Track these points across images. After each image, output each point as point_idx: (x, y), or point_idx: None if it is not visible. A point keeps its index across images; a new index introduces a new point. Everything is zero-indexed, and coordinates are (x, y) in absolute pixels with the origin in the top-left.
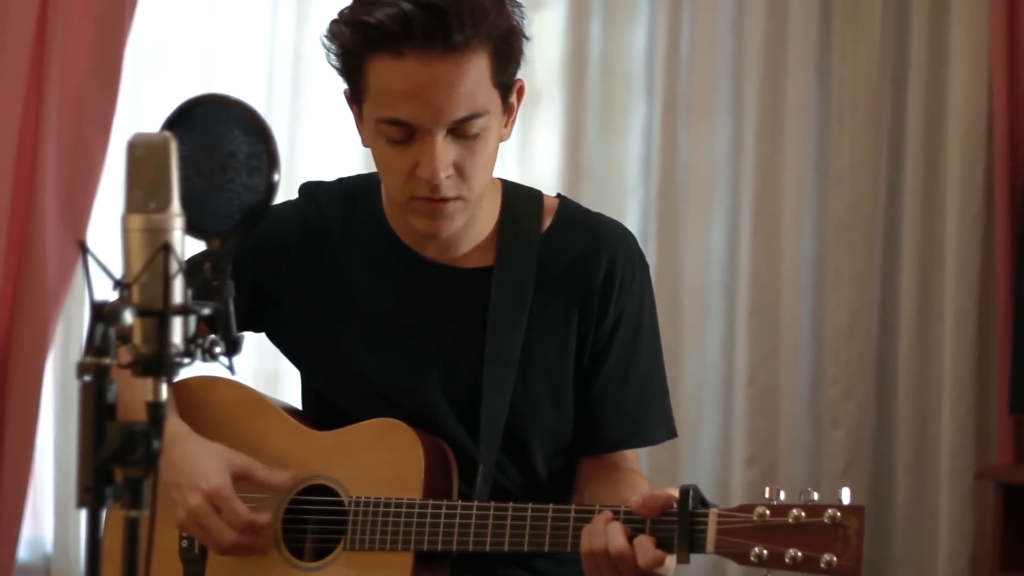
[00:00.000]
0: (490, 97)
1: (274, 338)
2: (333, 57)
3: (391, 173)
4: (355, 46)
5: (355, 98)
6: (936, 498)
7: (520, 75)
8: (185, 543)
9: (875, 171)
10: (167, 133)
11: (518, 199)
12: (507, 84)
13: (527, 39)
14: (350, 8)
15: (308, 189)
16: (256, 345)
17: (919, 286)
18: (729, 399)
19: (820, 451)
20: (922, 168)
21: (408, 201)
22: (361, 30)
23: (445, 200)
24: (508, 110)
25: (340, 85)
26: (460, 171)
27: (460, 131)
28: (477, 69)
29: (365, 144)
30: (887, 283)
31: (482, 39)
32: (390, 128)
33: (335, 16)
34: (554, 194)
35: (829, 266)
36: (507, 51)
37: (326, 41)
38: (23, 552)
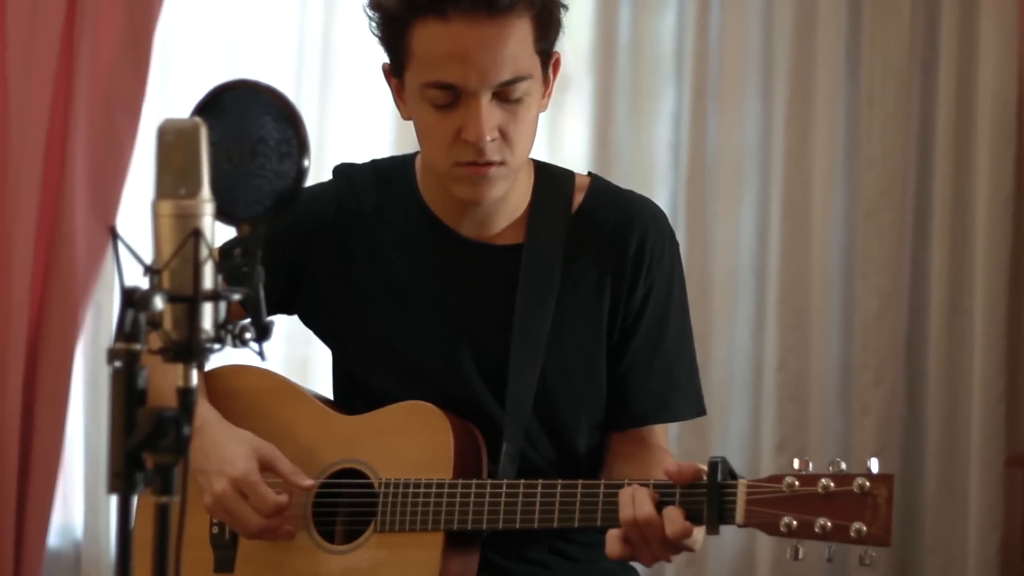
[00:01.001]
0: (532, 62)
1: (308, 319)
2: (375, 26)
3: (435, 139)
4: (400, 11)
5: (397, 68)
6: (966, 485)
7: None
8: (215, 529)
9: (905, 157)
10: (197, 119)
11: (550, 178)
12: (547, 52)
13: (566, 8)
14: None
15: (342, 170)
16: (286, 332)
17: (949, 272)
18: (759, 385)
19: (850, 437)
20: (952, 154)
21: (452, 168)
22: None
23: (490, 164)
24: (546, 80)
25: (369, 70)
26: (504, 135)
27: (504, 94)
28: (521, 33)
29: (405, 117)
30: (917, 269)
31: (525, 4)
32: (436, 92)
33: None
34: (585, 172)
35: (859, 252)
36: (548, 19)
37: (368, 11)
38: (53, 539)
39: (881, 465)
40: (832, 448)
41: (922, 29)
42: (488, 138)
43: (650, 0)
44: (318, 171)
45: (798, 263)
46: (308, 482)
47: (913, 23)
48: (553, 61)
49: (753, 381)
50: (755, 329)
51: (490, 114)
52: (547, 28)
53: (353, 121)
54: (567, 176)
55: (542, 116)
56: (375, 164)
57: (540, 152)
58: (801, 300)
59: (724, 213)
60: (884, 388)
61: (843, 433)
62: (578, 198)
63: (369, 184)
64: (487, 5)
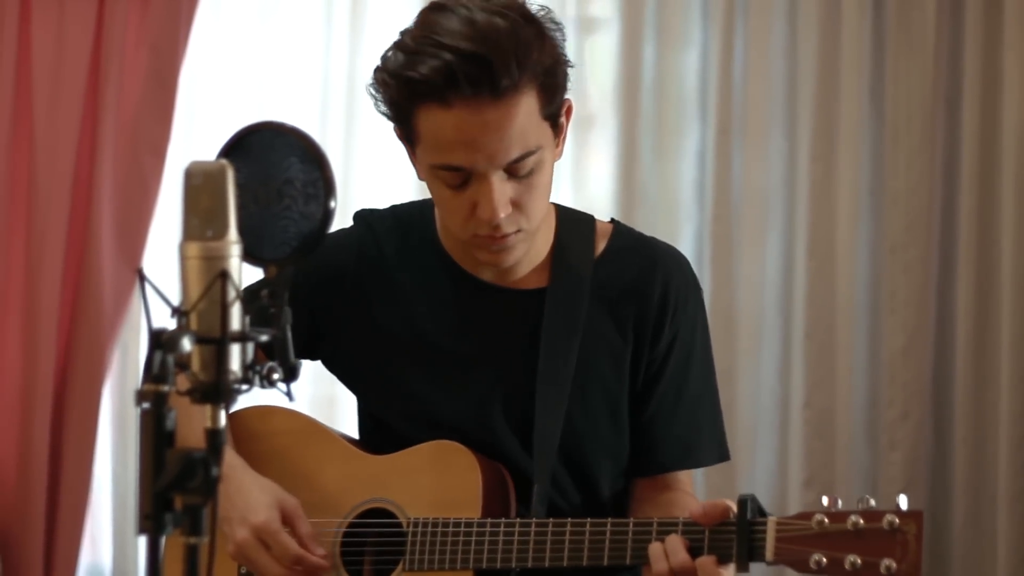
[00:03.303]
0: (541, 131)
1: (331, 365)
2: (382, 105)
3: (451, 214)
4: (401, 98)
5: (408, 140)
6: (994, 520)
7: (572, 98)
8: (244, 571)
9: (930, 192)
10: (223, 161)
11: (571, 223)
12: (555, 113)
13: (570, 64)
14: (393, 57)
15: (362, 216)
16: (313, 372)
17: (975, 307)
18: (785, 422)
19: (877, 473)
20: (977, 188)
21: (471, 238)
22: (406, 83)
23: (506, 235)
24: (559, 131)
25: None
26: (518, 206)
27: (515, 170)
28: (527, 108)
29: (420, 178)
30: (943, 304)
31: (529, 77)
32: (446, 174)
33: (378, 63)
34: (607, 219)
35: (885, 288)
36: (553, 83)
37: (372, 90)
38: None
39: (909, 501)
40: (860, 484)
41: (946, 64)
42: (502, 214)
43: (674, 38)
44: (343, 213)
45: (824, 299)
46: (321, 552)
47: (937, 58)
48: (565, 108)
49: (780, 418)
50: (781, 365)
51: (502, 191)
52: (553, 92)
53: (378, 162)
54: (588, 221)
55: (567, 154)
56: (395, 210)
57: (565, 190)
58: (827, 336)
59: (749, 250)
60: (911, 423)
61: (870, 469)
62: (600, 243)
63: (389, 230)
64: (489, 89)
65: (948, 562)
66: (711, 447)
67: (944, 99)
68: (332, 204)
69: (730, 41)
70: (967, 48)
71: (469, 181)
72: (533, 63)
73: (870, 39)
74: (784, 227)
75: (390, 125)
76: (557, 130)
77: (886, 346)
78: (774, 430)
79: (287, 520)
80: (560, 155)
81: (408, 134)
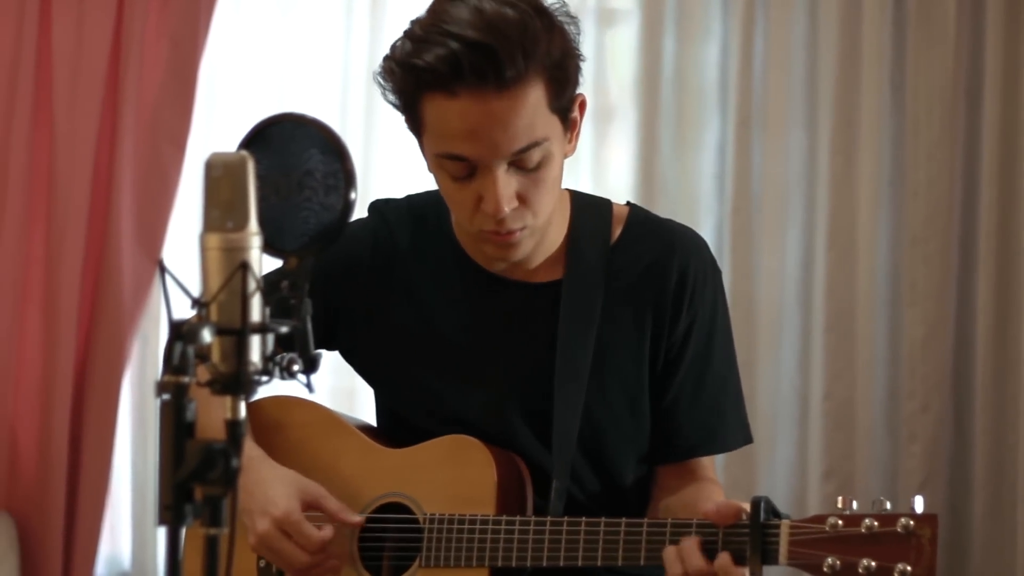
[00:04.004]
0: (548, 123)
1: (348, 357)
2: (389, 95)
3: (457, 207)
4: (407, 87)
5: (415, 130)
6: (1014, 512)
7: (591, 90)
8: (262, 562)
9: (950, 184)
10: (244, 152)
11: (587, 210)
12: (566, 107)
13: (582, 58)
14: (400, 46)
15: (377, 207)
16: (332, 363)
17: (995, 298)
18: (805, 414)
19: (897, 465)
20: (997, 180)
21: (478, 232)
22: (412, 71)
23: (512, 232)
24: (571, 126)
25: None
26: (524, 200)
27: (521, 162)
28: (533, 99)
29: (429, 170)
30: (963, 296)
31: (536, 69)
32: (450, 164)
33: (387, 52)
34: (624, 202)
35: (905, 280)
36: (562, 76)
37: (379, 79)
38: (101, 570)
39: (928, 493)
40: (879, 476)
41: (966, 56)
42: (507, 208)
43: (694, 30)
44: (362, 204)
45: (844, 291)
46: (356, 518)
47: (957, 50)
48: (578, 104)
49: (800, 410)
50: (801, 358)
51: (507, 184)
52: (562, 85)
53: (398, 153)
54: (605, 206)
55: (586, 146)
56: (410, 200)
57: (584, 182)
58: (847, 328)
59: (769, 242)
60: (931, 415)
61: (890, 461)
62: (617, 229)
63: (404, 221)
64: (495, 79)
65: (968, 554)
66: (735, 430)
67: (965, 91)
68: (353, 195)
69: (750, 33)
70: (988, 40)
71: (474, 173)
72: (541, 54)
73: (890, 31)
74: (804, 219)
75: None
76: (568, 125)
77: (906, 338)
78: (794, 422)
79: (312, 505)
80: (572, 151)
81: (415, 123)
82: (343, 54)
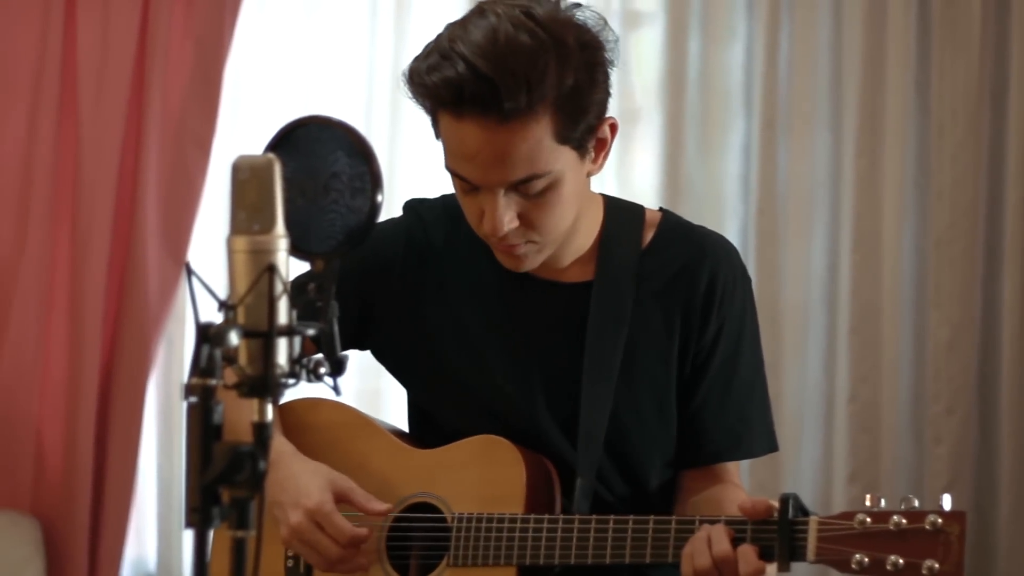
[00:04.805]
0: (554, 155)
1: (380, 355)
2: (409, 95)
3: (467, 214)
4: (422, 99)
5: (436, 136)
6: None
7: (617, 94)
8: (290, 562)
9: (975, 186)
10: (271, 155)
11: (619, 214)
12: (580, 137)
13: (608, 93)
14: (418, 58)
15: (412, 206)
16: (359, 365)
17: (1021, 300)
18: (830, 416)
19: (922, 468)
20: (1023, 181)
21: (487, 238)
22: (422, 87)
23: (514, 245)
24: (598, 148)
25: None
26: (526, 222)
27: (523, 190)
28: (537, 133)
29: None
30: (988, 298)
31: (542, 103)
32: (457, 179)
33: (415, 56)
34: (656, 208)
35: (930, 282)
36: (574, 108)
37: (402, 80)
38: (126, 573)
39: (954, 495)
40: (905, 479)
41: (991, 58)
42: (504, 230)
43: (718, 32)
44: (388, 206)
45: (869, 293)
46: (383, 506)
47: (983, 52)
48: (607, 126)
49: (825, 412)
50: (826, 360)
51: (505, 207)
52: (574, 116)
53: (423, 155)
54: (637, 211)
55: (611, 149)
56: (444, 200)
57: (609, 184)
58: (872, 330)
59: (794, 244)
60: (957, 418)
61: (916, 463)
62: (648, 234)
63: (439, 220)
64: (496, 112)
65: (994, 557)
66: (761, 437)
67: (990, 93)
68: (379, 198)
69: (775, 35)
70: (1013, 42)
71: (478, 190)
72: (549, 87)
73: (916, 33)
74: (829, 221)
75: None
76: (585, 151)
77: (931, 340)
78: (819, 424)
79: (342, 497)
80: (598, 170)
81: (435, 131)
82: (368, 55)
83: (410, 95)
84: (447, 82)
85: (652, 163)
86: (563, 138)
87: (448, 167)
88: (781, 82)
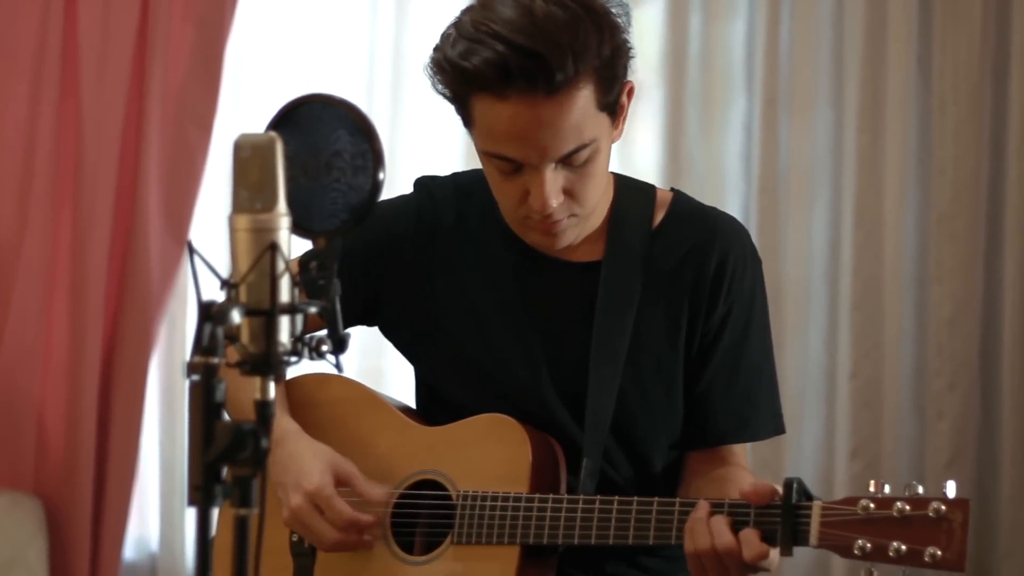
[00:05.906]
0: (597, 123)
1: (388, 332)
2: (438, 86)
3: (504, 198)
4: (457, 85)
5: (465, 123)
6: None
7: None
8: (295, 538)
9: (977, 162)
10: (272, 133)
11: (630, 193)
12: (614, 102)
13: (632, 54)
14: (450, 43)
15: (424, 183)
16: (361, 343)
17: (1022, 276)
18: (832, 392)
19: (924, 444)
20: None
21: (522, 220)
22: (461, 73)
23: (558, 220)
24: (620, 111)
25: None
26: (571, 194)
27: (569, 161)
28: (583, 102)
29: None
30: (990, 274)
31: (586, 71)
32: (498, 161)
33: (437, 42)
34: (668, 188)
35: (932, 258)
36: (611, 74)
37: (429, 71)
38: (129, 551)
39: (956, 471)
40: (906, 455)
41: (993, 33)
42: (554, 204)
43: (720, 9)
44: (389, 184)
45: (871, 269)
46: (382, 493)
47: (984, 27)
48: (627, 92)
49: (827, 388)
50: (828, 336)
51: (554, 182)
52: (611, 82)
53: (424, 134)
54: (648, 191)
55: None
56: (456, 178)
57: (612, 161)
58: (874, 306)
59: (796, 221)
60: (959, 393)
61: (917, 439)
62: (659, 214)
63: (449, 198)
64: (545, 84)
65: (995, 533)
66: (767, 420)
67: (991, 68)
68: (381, 176)
69: (776, 12)
70: (1015, 17)
71: (521, 170)
72: (591, 56)
73: (917, 9)
74: (831, 198)
75: (436, 97)
76: (616, 117)
77: (933, 316)
78: (821, 401)
79: (343, 481)
80: (620, 136)
81: (465, 117)
82: (369, 34)
83: (439, 86)
84: (489, 63)
85: (653, 140)
86: (602, 105)
87: (487, 151)
88: (782, 59)
